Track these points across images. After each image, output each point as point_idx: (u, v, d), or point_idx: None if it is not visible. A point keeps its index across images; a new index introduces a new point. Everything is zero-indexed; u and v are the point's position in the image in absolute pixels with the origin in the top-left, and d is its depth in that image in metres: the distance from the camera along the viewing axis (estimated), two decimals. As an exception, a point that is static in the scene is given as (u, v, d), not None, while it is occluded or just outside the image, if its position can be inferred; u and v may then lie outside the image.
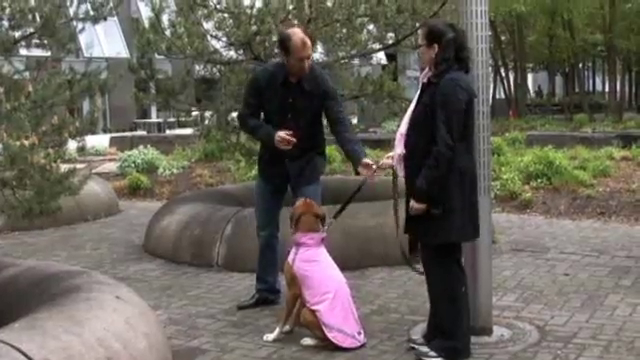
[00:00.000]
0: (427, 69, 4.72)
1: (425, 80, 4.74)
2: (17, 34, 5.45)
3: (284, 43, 5.62)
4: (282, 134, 5.54)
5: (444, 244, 4.72)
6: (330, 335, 4.91)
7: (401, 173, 4.88)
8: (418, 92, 4.82)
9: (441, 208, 4.59)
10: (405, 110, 5.08)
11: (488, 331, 5.19)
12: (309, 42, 5.59)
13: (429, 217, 4.62)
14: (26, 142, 4.85)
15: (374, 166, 5.23)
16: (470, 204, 4.70)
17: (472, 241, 4.97)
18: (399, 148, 4.81)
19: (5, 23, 5.37)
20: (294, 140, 5.51)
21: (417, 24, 8.04)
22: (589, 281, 6.65)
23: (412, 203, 4.63)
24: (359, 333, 5.02)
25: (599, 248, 7.93)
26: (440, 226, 4.63)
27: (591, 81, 53.44)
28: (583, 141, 16.54)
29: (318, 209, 5.29)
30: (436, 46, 4.66)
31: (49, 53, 5.77)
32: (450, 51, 4.63)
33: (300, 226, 5.18)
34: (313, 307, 4.99)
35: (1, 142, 4.82)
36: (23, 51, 5.95)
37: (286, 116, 5.72)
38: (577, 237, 8.56)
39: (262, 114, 5.93)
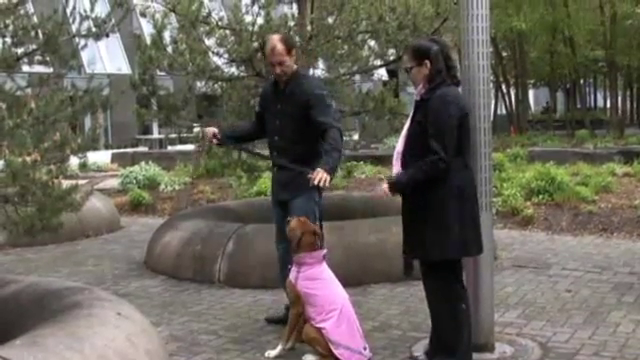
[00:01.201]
0: (420, 87, 4.73)
1: (418, 98, 4.75)
2: (20, 51, 5.47)
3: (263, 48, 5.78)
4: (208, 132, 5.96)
5: (443, 260, 4.71)
6: (337, 352, 4.89)
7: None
8: (412, 110, 4.84)
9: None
10: (406, 127, 5.09)
11: (490, 348, 5.17)
12: (279, 47, 5.62)
13: (426, 233, 4.63)
14: (28, 158, 4.85)
15: (314, 180, 5.13)
16: (471, 220, 4.70)
17: (474, 257, 4.97)
18: (396, 167, 4.82)
19: (8, 40, 5.38)
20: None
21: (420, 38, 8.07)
22: (592, 298, 6.63)
23: (383, 185, 4.72)
24: (365, 348, 5.00)
25: (601, 264, 7.91)
26: (437, 242, 4.61)
27: (592, 97, 53.50)
28: (585, 157, 16.53)
29: (315, 227, 5.24)
30: (427, 62, 4.68)
31: (51, 70, 5.78)
32: (441, 63, 4.67)
33: (301, 247, 5.15)
34: (319, 325, 4.95)
35: (3, 158, 4.83)
36: (25, 68, 5.96)
37: (275, 122, 5.79)
38: (579, 253, 8.55)
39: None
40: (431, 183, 4.59)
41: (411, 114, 4.83)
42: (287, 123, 5.69)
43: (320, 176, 5.09)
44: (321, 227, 5.46)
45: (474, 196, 4.78)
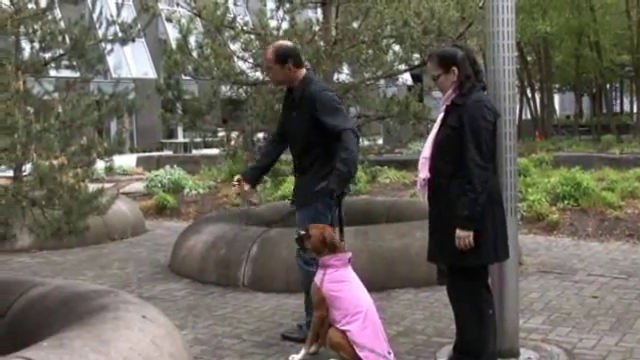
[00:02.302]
0: (450, 91, 4.71)
1: (449, 102, 4.73)
2: (47, 55, 5.54)
3: None
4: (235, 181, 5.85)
5: (474, 267, 4.68)
6: (362, 355, 4.87)
7: (423, 197, 4.87)
8: (441, 115, 4.81)
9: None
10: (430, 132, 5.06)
11: (515, 354, 5.13)
12: (267, 53, 5.72)
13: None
14: (55, 162, 4.89)
15: None
16: (502, 224, 4.68)
17: (500, 262, 4.94)
18: (423, 172, 4.79)
19: (36, 45, 5.45)
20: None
21: (443, 45, 8.05)
22: (618, 304, 6.57)
23: (458, 232, 4.50)
24: (389, 353, 4.98)
25: (628, 270, 7.85)
26: (471, 249, 4.56)
27: (619, 102, 53.05)
28: (611, 162, 16.40)
29: (326, 225, 5.25)
30: (455, 69, 4.65)
31: (78, 74, 5.84)
32: (468, 68, 4.65)
33: (324, 247, 5.15)
34: (344, 327, 4.94)
35: (31, 162, 4.87)
36: (53, 72, 6.03)
37: (291, 129, 5.76)
38: (605, 259, 8.48)
39: None
40: (463, 189, 4.55)
41: (440, 119, 4.80)
42: (300, 129, 5.64)
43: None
44: (341, 231, 5.43)
45: (502, 201, 4.77)
